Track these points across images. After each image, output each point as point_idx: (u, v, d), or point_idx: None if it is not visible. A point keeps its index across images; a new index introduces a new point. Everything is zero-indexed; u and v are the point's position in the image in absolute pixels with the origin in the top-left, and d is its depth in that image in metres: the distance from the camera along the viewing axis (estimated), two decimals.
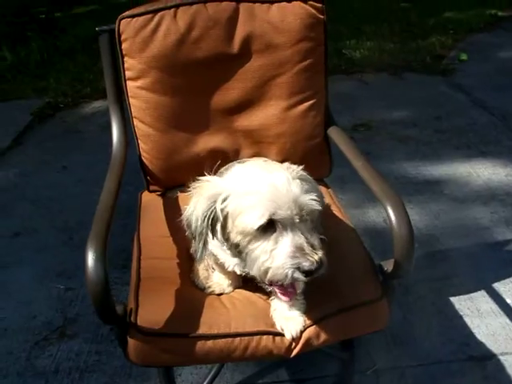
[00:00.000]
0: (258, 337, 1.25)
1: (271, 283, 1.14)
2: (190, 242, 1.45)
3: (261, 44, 1.59)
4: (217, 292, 1.39)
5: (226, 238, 1.14)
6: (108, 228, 1.23)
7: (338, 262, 1.41)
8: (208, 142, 1.69)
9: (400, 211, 1.21)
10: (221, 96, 1.65)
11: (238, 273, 1.26)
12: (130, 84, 1.63)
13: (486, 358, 1.82)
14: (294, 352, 1.28)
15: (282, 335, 1.27)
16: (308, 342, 1.27)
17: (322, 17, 1.60)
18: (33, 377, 1.84)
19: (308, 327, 1.27)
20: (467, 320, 1.97)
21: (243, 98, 1.65)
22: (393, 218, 1.21)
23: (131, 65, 1.59)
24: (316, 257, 1.03)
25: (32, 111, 3.93)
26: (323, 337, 1.28)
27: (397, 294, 2.04)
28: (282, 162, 1.29)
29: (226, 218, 1.10)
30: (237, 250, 1.14)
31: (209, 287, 1.40)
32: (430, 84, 4.11)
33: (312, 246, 1.05)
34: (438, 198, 2.69)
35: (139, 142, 1.71)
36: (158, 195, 1.78)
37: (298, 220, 1.05)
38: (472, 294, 2.09)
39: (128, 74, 1.61)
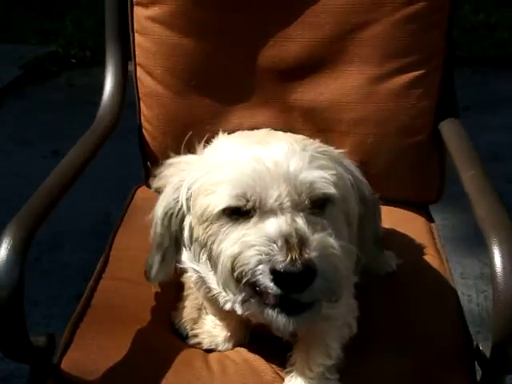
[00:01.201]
0: None
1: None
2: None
3: None
4: (205, 346, 1.46)
5: (195, 239, 1.19)
6: (45, 212, 1.34)
7: (410, 333, 1.45)
8: (246, 118, 1.77)
9: (510, 250, 1.21)
10: (274, 49, 1.73)
11: (240, 313, 1.29)
12: (138, 11, 1.76)
13: None
14: None
15: None
16: None
17: None
18: None
19: None
20: None
21: (308, 56, 1.73)
22: (496, 259, 1.20)
23: None
24: (295, 253, 1.00)
25: (24, 63, 4.23)
26: None
27: None
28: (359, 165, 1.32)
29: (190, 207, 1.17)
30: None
31: (194, 336, 1.47)
32: None
33: (301, 239, 1.04)
34: None
35: (141, 104, 1.84)
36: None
37: (288, 204, 1.06)
38: None
39: None
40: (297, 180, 1.06)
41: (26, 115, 3.83)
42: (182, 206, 1.18)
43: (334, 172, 1.10)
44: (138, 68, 1.81)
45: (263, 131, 1.31)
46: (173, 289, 1.56)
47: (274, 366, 1.40)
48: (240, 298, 1.11)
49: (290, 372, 1.35)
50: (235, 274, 1.06)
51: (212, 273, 1.26)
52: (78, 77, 4.26)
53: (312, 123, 1.76)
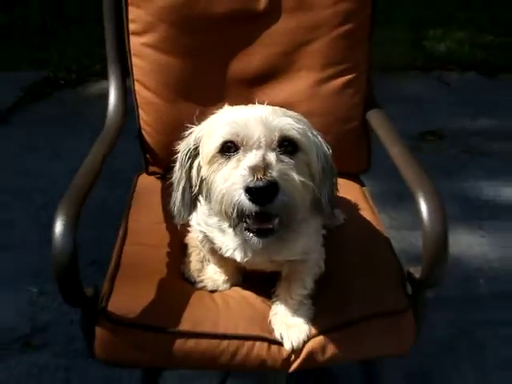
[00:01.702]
0: (251, 342, 1.37)
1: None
2: (185, 231, 1.62)
3: (293, 1, 1.74)
4: (209, 288, 1.53)
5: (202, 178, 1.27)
6: (84, 195, 1.40)
7: (359, 266, 1.56)
8: None
9: (433, 202, 1.32)
10: (240, 62, 1.80)
11: (238, 259, 1.37)
12: (133, 39, 1.80)
13: None
14: (294, 366, 1.39)
15: (280, 344, 1.38)
16: (311, 355, 1.38)
17: None
18: None
19: (313, 337, 1.38)
20: None
21: (267, 67, 1.80)
22: (423, 209, 1.31)
23: (137, 16, 1.77)
24: (259, 174, 1.10)
25: (24, 86, 4.18)
26: (330, 351, 1.39)
27: (449, 338, 2.15)
28: None
29: (198, 152, 1.28)
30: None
31: (200, 281, 1.54)
32: None
33: (267, 166, 1.13)
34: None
35: (140, 111, 1.89)
36: (157, 178, 1.95)
37: (264, 142, 1.17)
38: None
39: (132, 26, 1.78)
40: (271, 124, 1.18)
41: (31, 127, 3.79)
42: (190, 149, 1.28)
43: (302, 127, 1.23)
44: (136, 83, 1.86)
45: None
46: (179, 249, 1.63)
47: (263, 298, 1.49)
48: (232, 223, 1.19)
49: (276, 301, 1.45)
50: (224, 208, 1.16)
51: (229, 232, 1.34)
52: (67, 95, 4.21)
53: None
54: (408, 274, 1.44)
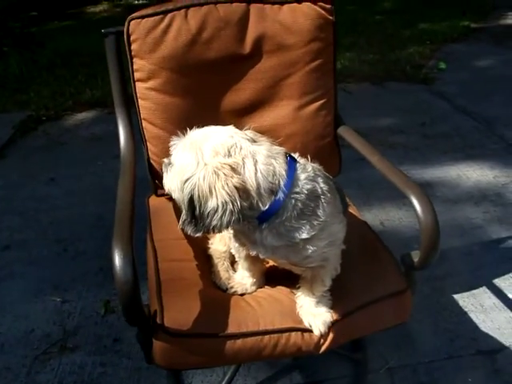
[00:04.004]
0: (287, 333, 1.25)
1: None
2: (207, 243, 1.46)
3: (272, 44, 1.60)
4: (239, 292, 1.38)
5: None
6: (131, 227, 1.20)
7: (358, 257, 1.44)
8: None
9: (424, 200, 1.26)
10: (232, 97, 1.64)
11: (262, 256, 1.23)
12: (139, 85, 1.60)
13: (494, 351, 1.85)
14: (323, 348, 1.28)
15: (310, 331, 1.26)
16: (336, 337, 1.27)
17: (331, 18, 1.60)
18: None
19: (335, 322, 1.27)
20: (472, 316, 2.00)
21: (254, 99, 1.65)
22: (418, 207, 1.24)
23: (141, 66, 1.56)
24: None
25: (14, 125, 3.85)
26: (351, 331, 1.29)
27: None
28: None
29: None
30: None
31: (231, 287, 1.39)
32: (412, 92, 4.20)
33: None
34: (431, 200, 2.72)
35: (148, 144, 1.68)
36: (167, 199, 1.75)
37: None
38: (474, 291, 2.12)
39: (137, 75, 1.58)
40: None
41: (24, 158, 3.49)
42: None
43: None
44: (144, 121, 1.65)
45: None
46: (205, 260, 1.47)
47: (286, 294, 1.36)
48: None
49: (300, 296, 1.32)
50: None
51: None
52: (49, 128, 3.90)
53: None
54: (402, 258, 1.35)
